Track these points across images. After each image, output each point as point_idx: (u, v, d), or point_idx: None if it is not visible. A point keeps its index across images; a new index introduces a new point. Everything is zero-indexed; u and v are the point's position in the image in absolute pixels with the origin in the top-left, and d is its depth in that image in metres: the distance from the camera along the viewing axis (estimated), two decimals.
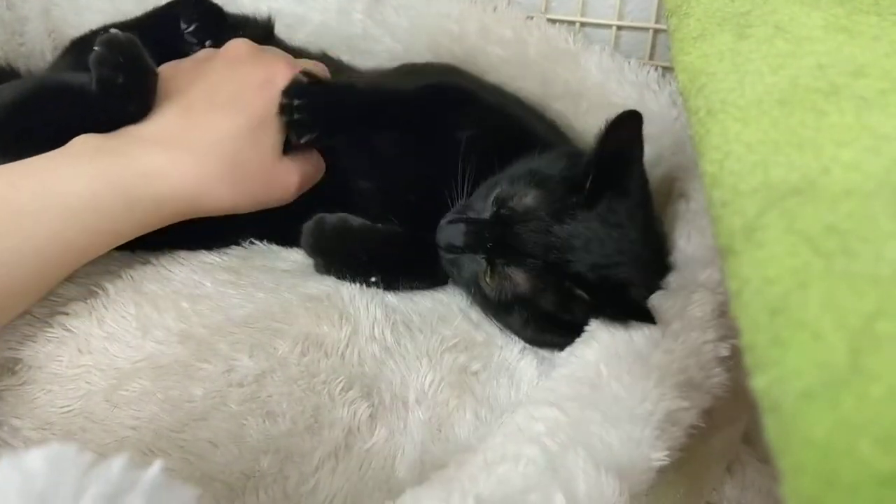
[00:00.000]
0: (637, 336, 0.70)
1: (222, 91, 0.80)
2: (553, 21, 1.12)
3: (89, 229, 0.70)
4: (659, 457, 0.61)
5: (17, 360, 0.70)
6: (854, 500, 0.27)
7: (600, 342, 0.71)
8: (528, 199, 0.78)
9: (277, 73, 0.82)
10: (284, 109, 0.79)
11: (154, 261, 0.81)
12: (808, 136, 0.44)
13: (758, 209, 0.40)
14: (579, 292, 0.75)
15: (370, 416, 0.71)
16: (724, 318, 0.71)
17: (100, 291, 0.75)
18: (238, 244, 0.88)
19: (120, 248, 0.81)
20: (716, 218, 0.44)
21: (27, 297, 0.70)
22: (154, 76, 0.78)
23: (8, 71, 1.05)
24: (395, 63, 1.14)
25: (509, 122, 0.95)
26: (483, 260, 0.79)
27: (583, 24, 1.15)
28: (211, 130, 0.77)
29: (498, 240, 0.77)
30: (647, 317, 0.70)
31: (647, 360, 0.67)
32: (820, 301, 0.33)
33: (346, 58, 1.15)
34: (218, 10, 0.97)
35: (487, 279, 0.79)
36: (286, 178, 0.82)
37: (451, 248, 0.81)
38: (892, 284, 0.32)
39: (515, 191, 0.79)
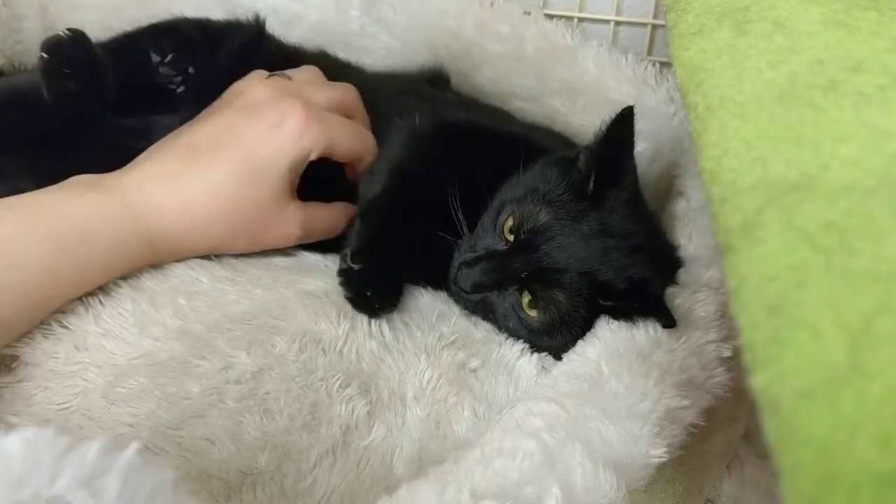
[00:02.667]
0: (639, 334, 0.70)
1: (229, 135, 0.79)
2: (551, 16, 1.12)
3: (79, 263, 0.70)
4: (658, 454, 0.61)
5: (13, 357, 0.69)
6: (853, 500, 0.27)
7: (602, 339, 0.71)
8: (542, 216, 0.77)
9: (289, 117, 0.80)
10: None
11: None
12: (807, 133, 0.43)
13: (756, 206, 0.40)
14: (608, 302, 0.75)
15: (368, 413, 0.71)
16: (727, 319, 0.71)
17: (96, 288, 0.75)
18: None
19: None
20: (714, 215, 0.44)
21: (15, 330, 0.69)
22: (106, 71, 0.77)
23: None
24: (392, 60, 1.14)
25: (492, 142, 0.92)
26: (517, 291, 0.78)
27: (581, 20, 1.16)
28: (207, 173, 0.77)
29: (531, 266, 0.76)
30: (668, 316, 0.70)
31: (649, 359, 0.67)
32: (819, 299, 0.33)
33: (343, 55, 1.15)
34: (188, 34, 0.91)
35: (529, 310, 0.78)
36: (286, 225, 0.83)
37: (480, 288, 0.79)
38: (891, 282, 0.32)
39: (527, 212, 0.78)
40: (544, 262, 0.76)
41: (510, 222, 0.79)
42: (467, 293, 0.80)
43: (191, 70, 0.83)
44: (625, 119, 0.77)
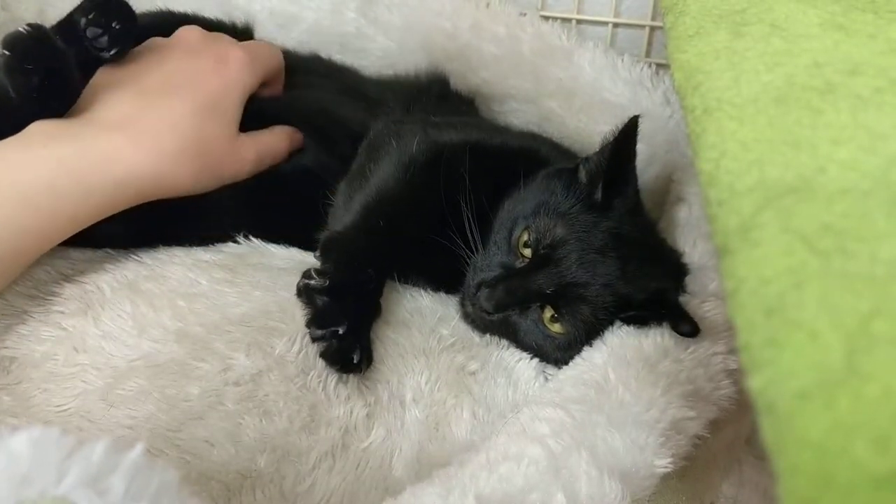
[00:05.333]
0: (647, 342, 0.70)
1: (177, 75, 0.82)
2: (548, 18, 1.12)
3: (45, 216, 0.69)
4: (663, 464, 0.61)
5: (12, 359, 0.69)
6: (849, 502, 0.27)
7: (609, 346, 0.71)
8: (558, 230, 0.77)
9: (229, 53, 0.86)
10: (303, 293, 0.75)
11: (149, 260, 0.81)
12: (804, 135, 0.44)
13: (754, 208, 0.40)
14: (629, 313, 0.75)
15: (367, 415, 0.71)
16: (734, 330, 0.70)
17: (95, 290, 0.75)
18: (234, 241, 0.88)
19: (114, 247, 0.81)
20: (712, 217, 0.44)
21: None
22: (70, 62, 0.77)
23: None
24: (388, 62, 1.14)
25: (490, 159, 0.90)
26: (539, 308, 0.77)
27: (579, 21, 1.16)
28: (168, 111, 0.78)
29: (555, 281, 0.75)
30: (691, 322, 0.70)
31: (656, 368, 0.67)
32: (816, 301, 0.33)
33: (339, 57, 1.15)
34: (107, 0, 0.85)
35: (551, 325, 0.77)
36: (243, 154, 0.85)
37: (504, 308, 0.77)
38: (888, 284, 0.32)
39: (543, 227, 0.77)
40: (568, 277, 0.75)
41: (525, 237, 0.78)
42: (490, 313, 0.78)
43: (115, 25, 0.80)
44: (631, 130, 0.77)
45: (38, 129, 0.73)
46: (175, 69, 0.83)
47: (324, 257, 0.77)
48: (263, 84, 0.93)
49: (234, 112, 0.85)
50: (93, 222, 0.74)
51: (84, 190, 0.71)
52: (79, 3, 0.80)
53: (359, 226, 0.81)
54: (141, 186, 0.76)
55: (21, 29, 0.73)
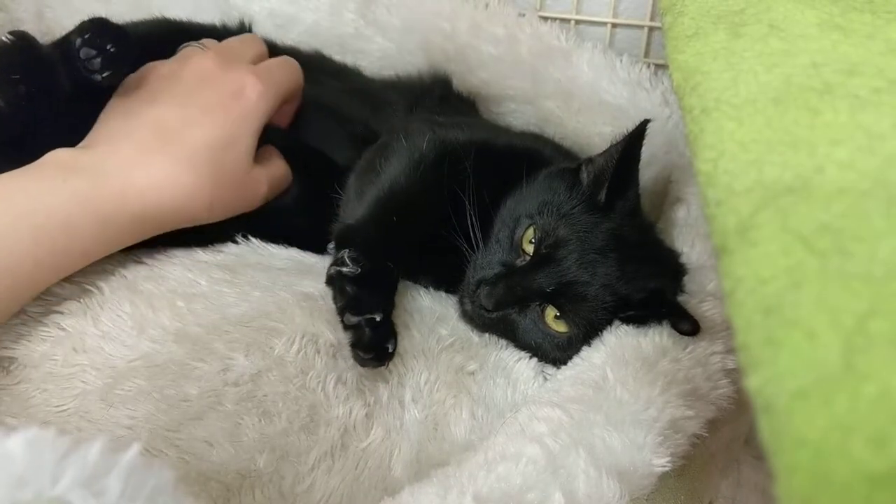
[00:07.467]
0: (645, 342, 0.70)
1: (194, 104, 0.81)
2: (547, 18, 1.12)
3: (60, 249, 0.69)
4: (661, 463, 0.61)
5: (12, 360, 0.69)
6: (847, 500, 0.27)
7: (607, 346, 0.71)
8: (560, 229, 0.77)
9: (246, 84, 0.84)
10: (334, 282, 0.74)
11: (149, 260, 0.81)
12: (803, 135, 0.44)
13: (752, 208, 0.40)
14: (629, 312, 0.75)
15: (366, 415, 0.71)
16: (732, 329, 0.71)
17: (95, 290, 0.75)
18: (234, 241, 0.88)
19: None
20: (710, 217, 0.44)
21: None
22: (57, 68, 0.76)
23: None
24: (387, 62, 1.14)
25: (494, 158, 0.90)
26: (539, 307, 0.77)
27: (577, 22, 1.15)
28: (186, 143, 0.78)
29: (556, 280, 0.75)
30: (691, 321, 0.70)
31: (654, 367, 0.67)
32: (813, 300, 0.33)
33: (338, 58, 1.15)
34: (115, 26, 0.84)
35: (555, 324, 0.77)
36: (257, 185, 0.85)
37: (504, 305, 0.77)
38: (885, 284, 0.32)
39: (546, 226, 0.78)
40: (569, 276, 0.75)
41: (531, 234, 0.79)
42: (489, 311, 0.78)
43: (110, 48, 0.78)
44: (640, 134, 0.77)
45: (55, 160, 0.73)
46: (191, 97, 0.82)
47: (345, 247, 0.76)
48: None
49: (250, 144, 0.83)
50: (107, 254, 0.75)
51: (100, 224, 0.71)
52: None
53: (372, 219, 0.81)
54: (156, 219, 0.76)
55: (4, 38, 0.73)
